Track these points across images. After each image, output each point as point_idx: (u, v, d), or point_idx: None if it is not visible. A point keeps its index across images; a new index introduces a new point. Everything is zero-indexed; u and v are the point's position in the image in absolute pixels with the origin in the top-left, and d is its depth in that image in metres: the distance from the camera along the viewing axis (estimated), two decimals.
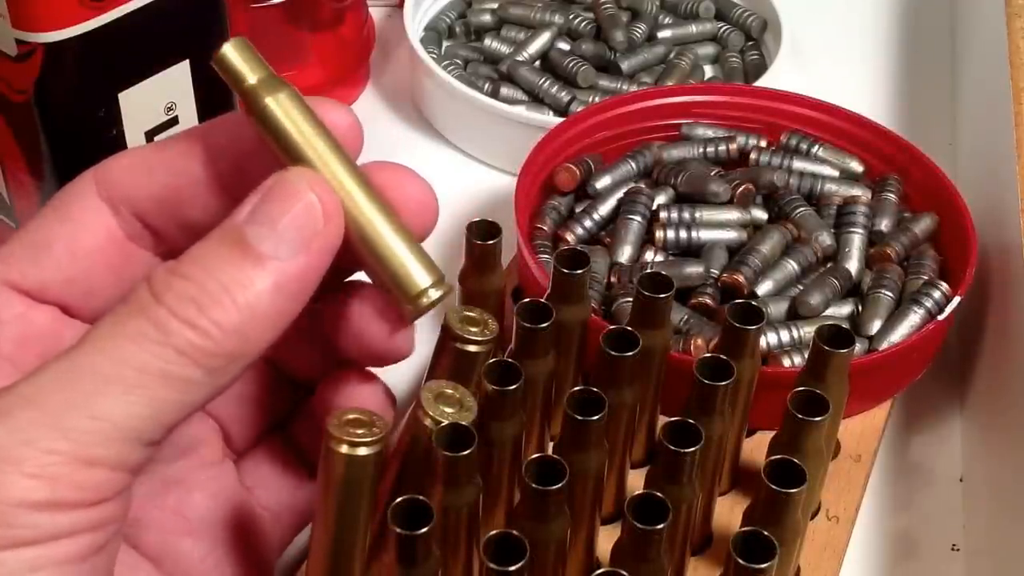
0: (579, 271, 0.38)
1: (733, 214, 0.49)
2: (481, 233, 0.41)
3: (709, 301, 0.46)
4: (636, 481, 0.37)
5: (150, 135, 0.44)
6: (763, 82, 0.59)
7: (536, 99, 0.60)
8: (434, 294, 0.29)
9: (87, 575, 0.26)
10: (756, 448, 0.43)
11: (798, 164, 0.52)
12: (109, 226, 0.30)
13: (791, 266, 0.47)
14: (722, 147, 0.53)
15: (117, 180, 0.30)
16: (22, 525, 0.24)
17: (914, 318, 0.45)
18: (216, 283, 0.26)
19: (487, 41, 0.64)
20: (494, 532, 0.30)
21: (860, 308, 0.46)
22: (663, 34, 0.65)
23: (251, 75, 0.29)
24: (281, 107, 0.29)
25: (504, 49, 0.63)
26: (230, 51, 0.29)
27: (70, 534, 0.25)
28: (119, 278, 0.30)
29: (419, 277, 0.29)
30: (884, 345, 0.44)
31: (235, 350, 0.27)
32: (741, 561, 0.31)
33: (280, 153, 0.29)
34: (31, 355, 0.29)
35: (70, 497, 0.25)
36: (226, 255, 0.27)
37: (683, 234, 0.48)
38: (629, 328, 0.36)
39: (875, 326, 0.45)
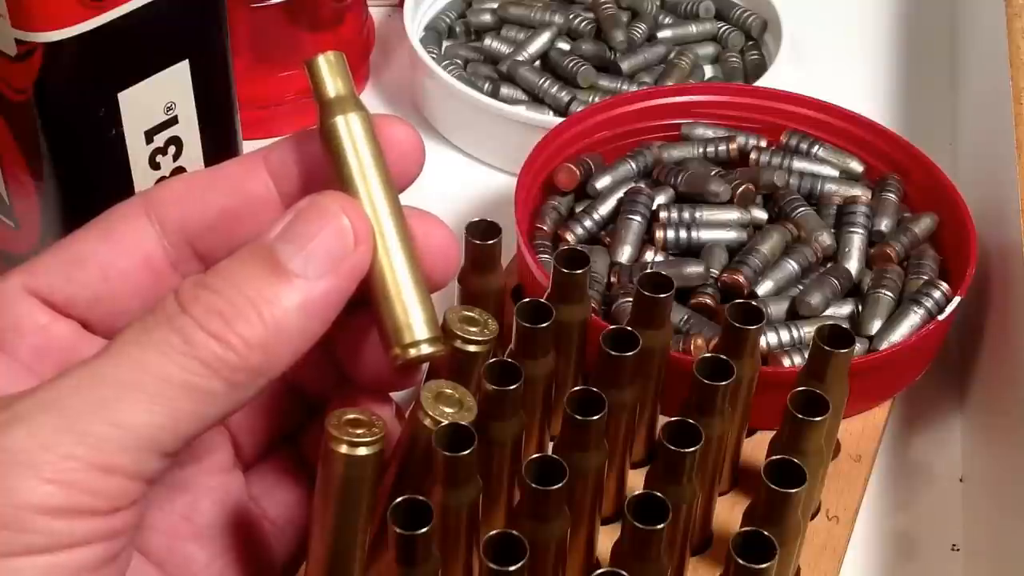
0: (579, 271, 0.38)
1: (733, 214, 0.49)
2: (481, 233, 0.41)
3: (709, 301, 0.46)
4: (636, 481, 0.37)
5: (150, 135, 0.44)
6: (763, 82, 0.59)
7: (536, 99, 0.60)
8: (425, 349, 0.29)
9: None
10: (756, 448, 0.43)
11: (798, 164, 0.52)
12: (148, 250, 0.30)
13: (791, 266, 0.47)
14: (722, 147, 0.53)
15: (170, 204, 0.30)
16: (37, 531, 0.24)
17: (914, 318, 0.45)
18: (243, 297, 0.26)
19: (487, 41, 0.64)
20: (494, 532, 0.30)
21: (860, 308, 0.46)
22: (663, 34, 0.65)
23: (332, 89, 0.29)
24: (348, 128, 0.29)
25: (504, 49, 0.63)
26: (322, 61, 0.29)
27: (85, 543, 0.25)
28: (145, 303, 0.30)
29: (418, 328, 0.29)
30: (884, 345, 0.44)
31: (258, 365, 0.27)
32: (741, 561, 0.31)
33: (333, 172, 0.29)
34: (48, 365, 0.29)
35: (86, 504, 0.25)
36: (255, 271, 0.27)
37: (683, 234, 0.48)
38: (629, 328, 0.36)
39: (875, 326, 0.45)
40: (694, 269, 0.46)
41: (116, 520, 0.26)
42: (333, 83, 0.30)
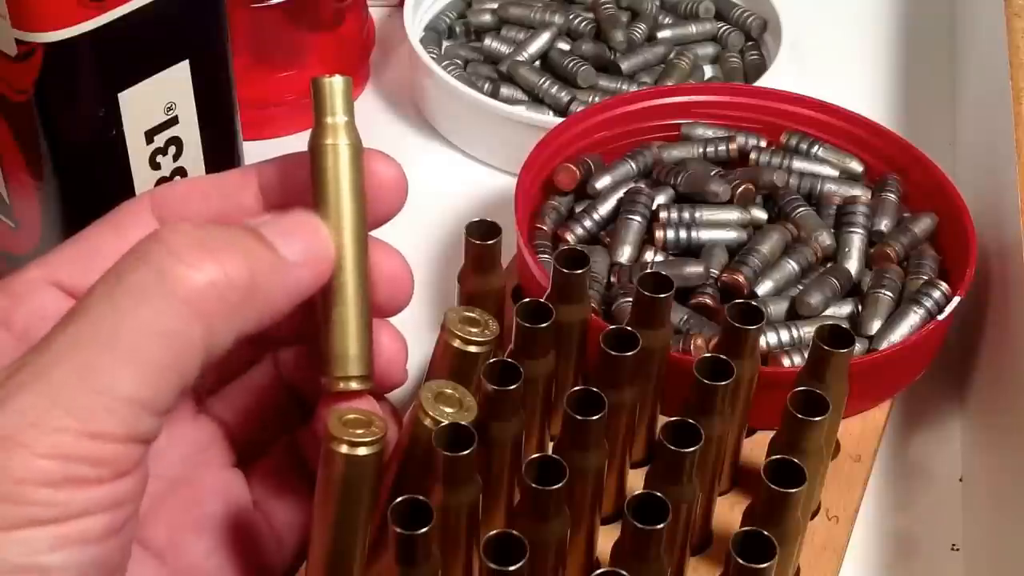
0: (579, 271, 0.38)
1: (733, 214, 0.49)
2: (481, 233, 0.41)
3: (709, 301, 0.46)
4: (636, 481, 0.37)
5: (150, 135, 0.44)
6: (763, 82, 0.59)
7: (536, 99, 0.60)
8: (353, 386, 0.30)
9: (107, 555, 0.26)
10: (756, 448, 0.43)
11: (798, 164, 0.52)
12: None
13: (791, 266, 0.47)
14: (722, 147, 0.53)
15: (173, 202, 0.32)
16: (40, 503, 0.25)
17: (914, 318, 0.45)
18: (230, 240, 0.27)
19: (487, 41, 0.64)
20: (494, 532, 0.30)
21: (860, 308, 0.46)
22: (663, 34, 0.65)
23: (332, 114, 0.30)
24: (337, 155, 0.30)
25: (504, 49, 0.63)
26: (328, 83, 0.30)
27: (88, 512, 0.25)
28: None
29: (352, 366, 0.30)
30: (884, 345, 0.44)
31: (237, 304, 0.27)
32: (741, 561, 0.31)
33: (312, 193, 0.30)
34: None
35: (86, 473, 0.25)
36: (242, 232, 0.28)
37: (683, 234, 0.48)
38: (629, 328, 0.36)
39: (875, 326, 0.45)
40: (694, 269, 0.46)
41: (119, 487, 0.26)
42: (334, 107, 0.30)
